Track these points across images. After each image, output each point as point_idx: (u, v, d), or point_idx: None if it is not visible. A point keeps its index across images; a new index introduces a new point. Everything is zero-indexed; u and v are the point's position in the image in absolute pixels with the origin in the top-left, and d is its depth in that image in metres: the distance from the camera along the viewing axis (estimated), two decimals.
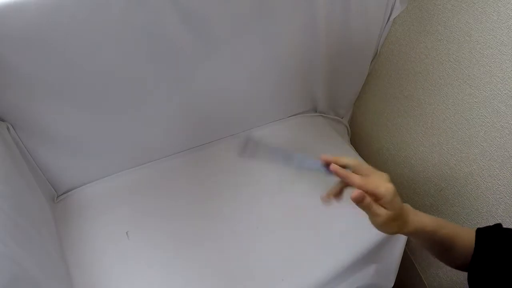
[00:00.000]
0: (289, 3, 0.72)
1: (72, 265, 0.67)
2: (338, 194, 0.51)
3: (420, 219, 0.52)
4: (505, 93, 0.67)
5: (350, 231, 0.75)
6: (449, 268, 0.90)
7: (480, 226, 0.51)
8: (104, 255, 0.70)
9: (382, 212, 0.45)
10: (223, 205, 0.81)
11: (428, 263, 0.98)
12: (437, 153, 0.87)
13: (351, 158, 0.50)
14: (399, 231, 0.50)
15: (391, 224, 0.47)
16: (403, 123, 0.96)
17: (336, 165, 0.48)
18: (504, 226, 0.51)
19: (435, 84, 0.82)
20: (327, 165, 0.48)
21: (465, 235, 0.52)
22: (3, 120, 0.62)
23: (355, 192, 0.45)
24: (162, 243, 0.72)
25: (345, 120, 1.17)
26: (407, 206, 0.52)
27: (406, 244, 0.86)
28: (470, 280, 0.49)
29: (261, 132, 1.00)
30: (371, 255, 0.78)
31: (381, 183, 0.46)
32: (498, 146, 0.71)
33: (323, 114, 1.09)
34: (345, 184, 0.50)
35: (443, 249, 0.54)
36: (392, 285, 0.93)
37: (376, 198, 0.46)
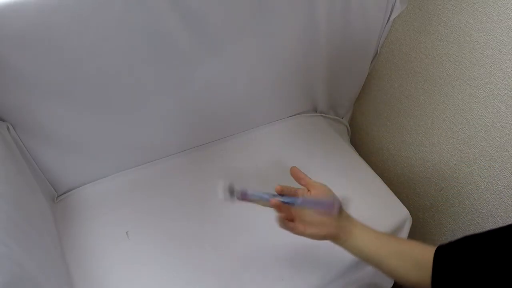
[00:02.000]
0: (289, 3, 0.72)
1: (72, 265, 0.67)
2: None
3: (357, 242, 0.54)
4: (505, 93, 0.67)
5: None
6: None
7: (467, 234, 0.47)
8: (104, 255, 0.70)
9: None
10: (223, 205, 0.80)
11: None
12: (437, 153, 0.87)
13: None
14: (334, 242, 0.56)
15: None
16: (403, 123, 0.96)
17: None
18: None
19: (435, 84, 0.82)
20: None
21: (408, 267, 0.50)
22: (3, 120, 0.62)
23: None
24: (162, 243, 0.72)
25: (345, 120, 1.17)
26: (346, 228, 0.55)
27: None
28: None
29: (261, 132, 1.00)
30: None
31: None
32: (498, 146, 0.71)
33: (323, 114, 1.09)
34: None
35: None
36: (392, 284, 0.93)
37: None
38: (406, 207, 0.83)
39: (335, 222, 0.54)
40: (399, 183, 1.02)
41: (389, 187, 0.87)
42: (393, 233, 0.82)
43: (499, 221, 0.77)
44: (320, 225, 0.54)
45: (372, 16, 0.84)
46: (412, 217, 0.83)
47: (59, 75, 0.60)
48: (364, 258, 0.54)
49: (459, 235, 0.87)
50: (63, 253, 0.68)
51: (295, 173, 0.59)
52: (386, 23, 0.88)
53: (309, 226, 0.54)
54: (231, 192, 0.55)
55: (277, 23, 0.75)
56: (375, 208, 0.81)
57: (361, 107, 1.13)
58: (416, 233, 0.99)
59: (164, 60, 0.68)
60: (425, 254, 0.49)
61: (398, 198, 0.85)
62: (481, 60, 0.70)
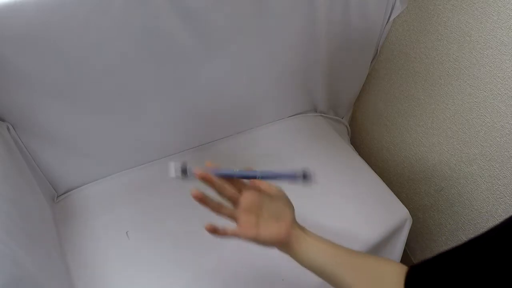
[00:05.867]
0: (289, 3, 0.72)
1: (72, 265, 0.67)
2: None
3: (310, 249, 0.49)
4: (505, 93, 0.67)
5: (349, 231, 0.75)
6: None
7: (459, 240, 0.44)
8: (104, 255, 0.70)
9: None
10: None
11: None
12: (437, 153, 0.87)
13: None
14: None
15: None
16: (403, 123, 0.96)
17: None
18: None
19: (435, 84, 0.82)
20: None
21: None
22: (3, 120, 0.62)
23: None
24: (162, 243, 0.72)
25: (345, 120, 1.17)
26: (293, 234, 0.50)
27: (406, 244, 0.86)
28: None
29: (261, 132, 1.00)
30: None
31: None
32: (498, 146, 0.71)
33: (323, 114, 1.09)
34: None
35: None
36: None
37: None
38: (406, 207, 0.83)
39: (285, 227, 0.50)
40: (399, 183, 1.02)
41: (389, 187, 0.87)
42: (393, 233, 0.82)
43: (499, 221, 0.77)
44: (277, 221, 0.50)
45: (372, 16, 0.84)
46: (412, 217, 0.83)
47: (59, 75, 0.60)
48: (317, 269, 0.49)
49: (459, 235, 0.87)
50: (63, 253, 0.68)
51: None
52: (386, 23, 0.88)
53: (263, 226, 0.50)
54: (184, 170, 0.52)
55: (277, 23, 0.75)
56: (375, 208, 0.81)
57: (361, 107, 1.13)
58: (416, 233, 0.99)
59: (164, 60, 0.68)
60: (390, 268, 0.46)
61: (398, 198, 0.85)
62: (481, 60, 0.70)
